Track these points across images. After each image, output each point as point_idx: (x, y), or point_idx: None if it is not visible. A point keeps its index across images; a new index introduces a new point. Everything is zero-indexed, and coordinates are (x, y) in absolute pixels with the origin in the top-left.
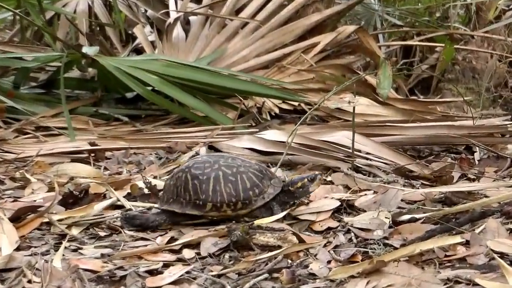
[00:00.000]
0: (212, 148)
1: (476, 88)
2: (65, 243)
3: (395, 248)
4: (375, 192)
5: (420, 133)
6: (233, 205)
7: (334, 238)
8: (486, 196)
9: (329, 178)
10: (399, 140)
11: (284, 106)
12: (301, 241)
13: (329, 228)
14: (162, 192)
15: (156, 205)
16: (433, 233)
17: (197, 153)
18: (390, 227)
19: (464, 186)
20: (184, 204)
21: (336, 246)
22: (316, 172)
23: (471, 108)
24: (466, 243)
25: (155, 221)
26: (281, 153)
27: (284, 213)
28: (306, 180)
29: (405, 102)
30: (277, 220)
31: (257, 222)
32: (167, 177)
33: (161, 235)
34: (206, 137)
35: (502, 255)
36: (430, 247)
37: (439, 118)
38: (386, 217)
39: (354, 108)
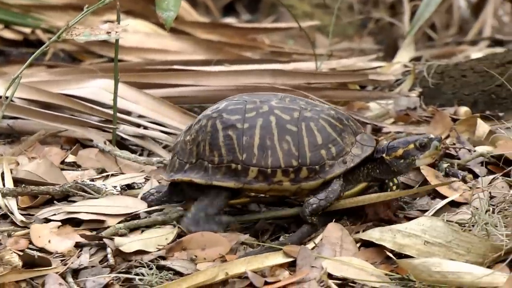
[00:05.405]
0: None
1: (332, 4)
2: None
3: (178, 274)
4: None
5: (228, 83)
6: (293, 173)
7: (78, 258)
8: None
9: (72, 158)
10: (195, 94)
11: (8, 35)
12: (29, 264)
13: (76, 245)
14: (171, 155)
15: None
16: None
17: None
18: (173, 240)
19: None
20: (211, 170)
21: (78, 272)
22: (431, 135)
23: (311, 39)
24: (293, 265)
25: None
26: None
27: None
28: (413, 145)
29: (211, 29)
30: None
31: None
32: (182, 130)
33: None
34: None
35: (345, 284)
36: (240, 271)
37: (264, 58)
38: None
39: (117, 41)
